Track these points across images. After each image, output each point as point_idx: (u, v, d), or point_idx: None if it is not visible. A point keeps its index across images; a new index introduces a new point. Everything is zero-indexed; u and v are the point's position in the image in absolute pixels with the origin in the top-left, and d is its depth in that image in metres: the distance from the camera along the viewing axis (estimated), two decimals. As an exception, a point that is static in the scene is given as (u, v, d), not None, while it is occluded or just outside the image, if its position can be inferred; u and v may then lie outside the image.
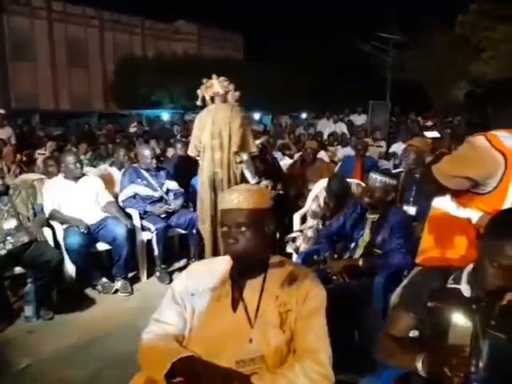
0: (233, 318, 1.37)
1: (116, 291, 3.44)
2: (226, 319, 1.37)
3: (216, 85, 3.36)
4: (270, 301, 1.37)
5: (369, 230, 2.57)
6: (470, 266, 1.41)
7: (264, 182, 3.64)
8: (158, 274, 3.74)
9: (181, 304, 1.44)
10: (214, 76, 3.40)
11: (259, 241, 1.38)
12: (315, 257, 2.67)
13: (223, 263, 1.47)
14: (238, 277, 1.43)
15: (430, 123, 10.25)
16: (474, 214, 1.73)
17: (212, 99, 3.39)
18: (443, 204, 1.88)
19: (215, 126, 3.28)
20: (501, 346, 1.26)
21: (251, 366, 1.32)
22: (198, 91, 3.44)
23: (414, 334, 1.60)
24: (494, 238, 1.27)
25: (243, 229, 1.35)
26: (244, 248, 1.36)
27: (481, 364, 1.20)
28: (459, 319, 1.29)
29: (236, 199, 1.36)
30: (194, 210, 3.87)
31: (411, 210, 3.19)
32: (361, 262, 2.45)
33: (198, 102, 3.46)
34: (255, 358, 1.33)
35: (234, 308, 1.39)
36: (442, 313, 1.37)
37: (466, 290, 1.37)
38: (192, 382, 1.23)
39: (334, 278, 2.46)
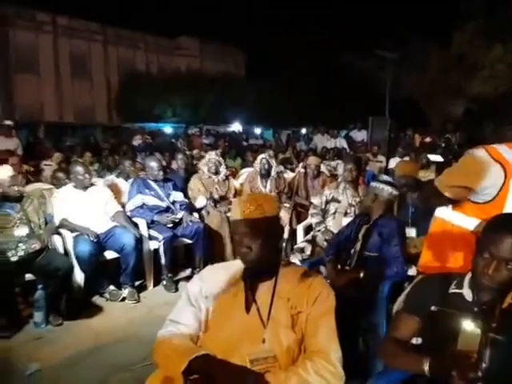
0: (246, 319, 1.43)
1: (123, 299, 3.48)
2: (240, 320, 1.42)
3: None
4: (281, 303, 1.43)
5: (361, 238, 2.65)
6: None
7: None
8: (164, 282, 3.78)
9: (196, 306, 1.49)
10: None
11: (269, 247, 1.43)
12: (320, 266, 2.73)
13: (236, 266, 1.52)
14: (251, 280, 1.48)
15: (428, 139, 10.33)
16: (474, 223, 1.79)
17: None
18: (445, 214, 1.94)
19: None
20: (502, 349, 1.32)
21: (264, 365, 1.36)
22: None
23: (417, 341, 1.66)
24: (488, 232, 1.36)
25: (253, 237, 1.41)
26: (255, 255, 1.41)
27: (484, 366, 1.26)
28: (467, 325, 1.32)
29: (245, 209, 1.42)
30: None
31: (412, 231, 3.21)
32: (362, 274, 2.50)
33: None
34: (268, 358, 1.37)
35: (248, 309, 1.44)
36: (445, 317, 1.42)
37: (468, 294, 1.42)
38: (207, 379, 1.27)
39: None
